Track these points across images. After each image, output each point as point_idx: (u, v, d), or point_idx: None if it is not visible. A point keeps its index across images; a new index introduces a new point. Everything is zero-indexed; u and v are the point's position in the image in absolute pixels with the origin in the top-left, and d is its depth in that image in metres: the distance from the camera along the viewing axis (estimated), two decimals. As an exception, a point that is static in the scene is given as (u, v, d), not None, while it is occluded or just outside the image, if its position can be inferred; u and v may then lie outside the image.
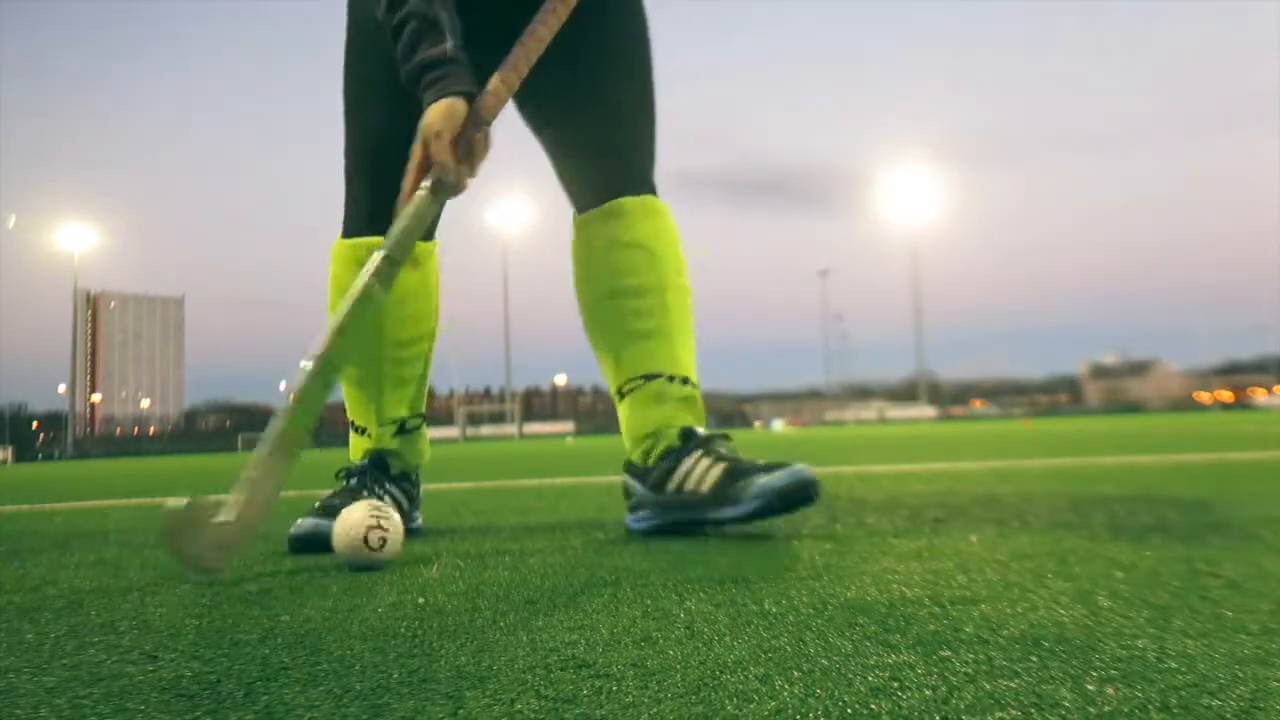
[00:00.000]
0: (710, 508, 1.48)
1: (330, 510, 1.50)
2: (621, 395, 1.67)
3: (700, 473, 1.51)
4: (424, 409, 1.81)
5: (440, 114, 1.39)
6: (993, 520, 1.60)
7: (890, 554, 1.24)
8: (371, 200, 1.67)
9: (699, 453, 1.53)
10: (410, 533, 1.65)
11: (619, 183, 1.69)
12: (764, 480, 1.43)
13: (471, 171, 1.43)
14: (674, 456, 1.55)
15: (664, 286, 1.66)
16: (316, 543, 1.47)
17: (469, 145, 1.41)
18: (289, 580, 1.22)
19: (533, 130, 1.80)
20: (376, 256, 1.35)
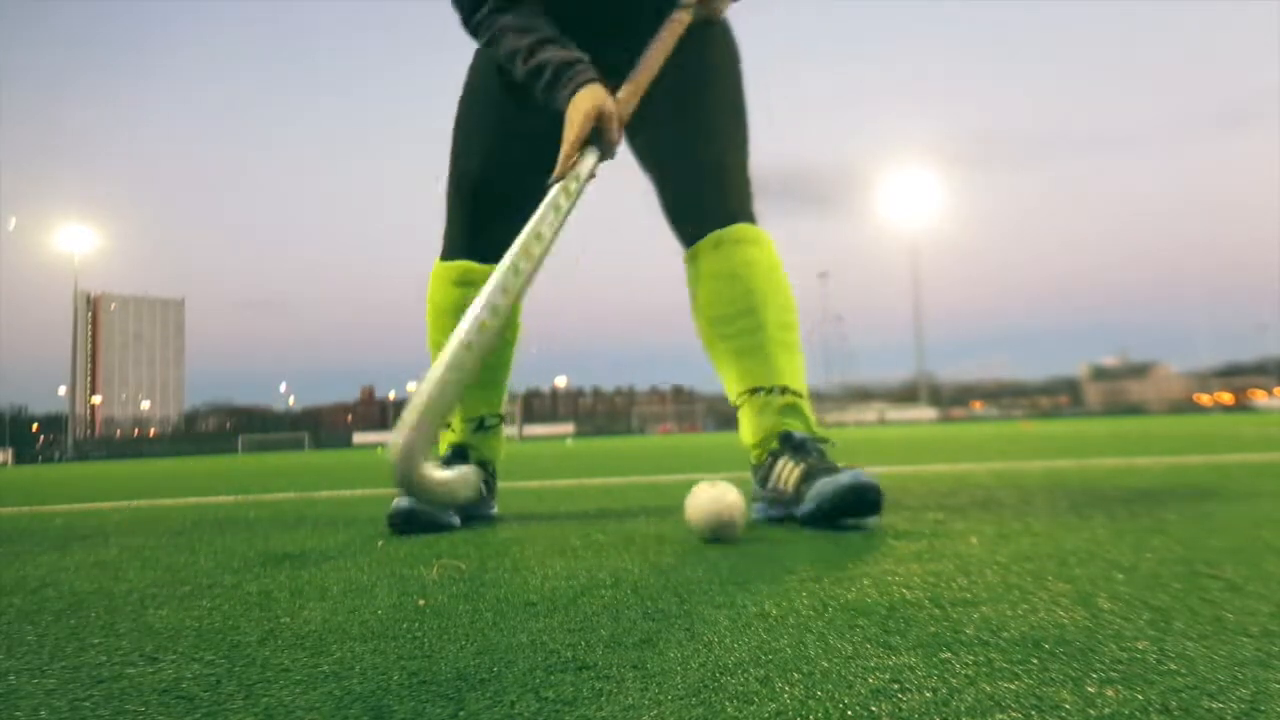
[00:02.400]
0: (793, 504, 1.66)
1: None
2: (737, 408, 1.87)
3: (787, 473, 1.70)
4: (501, 411, 2.04)
5: (594, 96, 1.68)
6: (993, 522, 1.60)
7: (890, 556, 1.24)
8: (464, 232, 1.94)
9: (787, 455, 1.72)
10: (485, 519, 1.96)
11: (716, 218, 1.88)
12: (823, 483, 1.57)
13: (613, 150, 1.72)
14: (772, 458, 1.76)
15: (760, 306, 1.83)
16: (412, 519, 1.75)
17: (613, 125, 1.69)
18: (289, 582, 1.22)
19: (640, 163, 2.01)
20: (577, 176, 1.63)
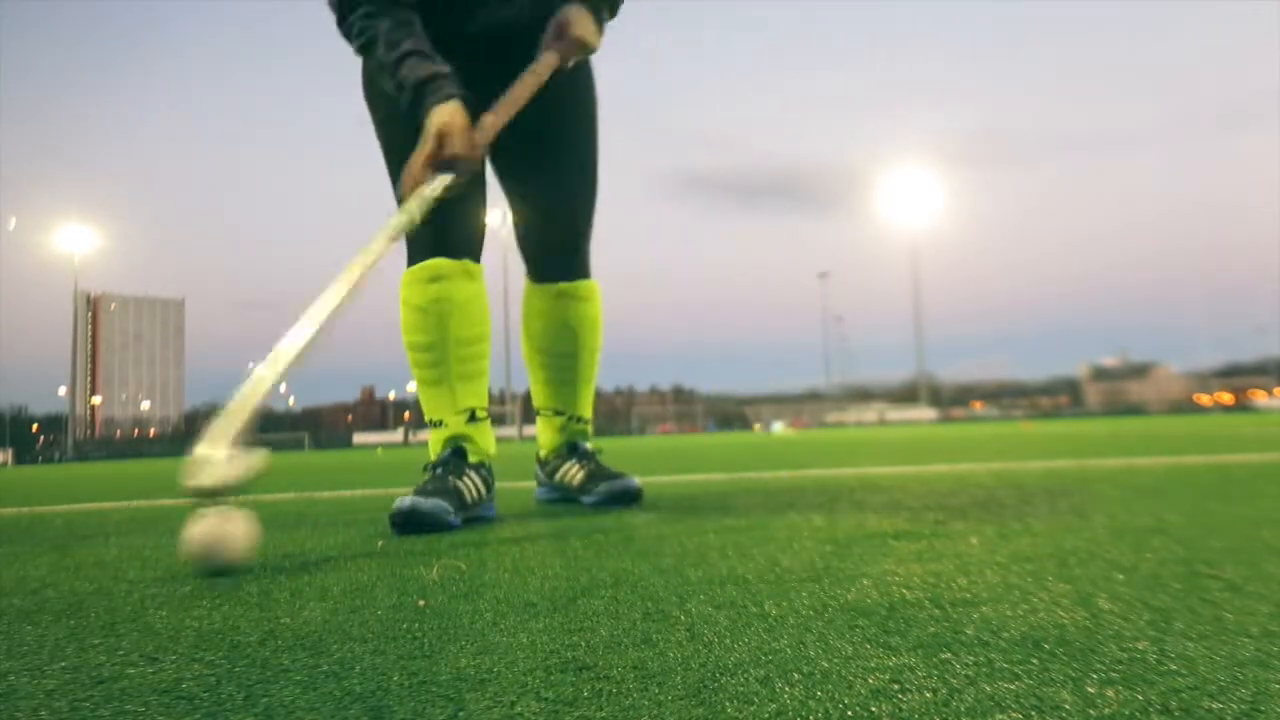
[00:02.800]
0: (575, 494, 2.25)
1: (424, 491, 1.85)
2: (539, 412, 2.36)
3: (573, 473, 2.27)
4: (487, 403, 2.13)
5: (449, 114, 1.78)
6: (993, 522, 1.60)
7: (890, 556, 1.24)
8: (425, 234, 1.97)
9: (574, 460, 2.28)
10: (487, 520, 1.98)
11: (564, 270, 2.25)
12: (607, 484, 2.18)
13: (476, 166, 1.84)
14: (560, 458, 2.31)
15: (580, 351, 2.29)
16: (414, 519, 1.78)
17: (473, 143, 1.79)
18: (289, 582, 1.22)
19: (503, 189, 2.23)
20: (393, 219, 1.73)
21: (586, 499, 2.20)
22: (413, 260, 2.04)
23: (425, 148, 1.77)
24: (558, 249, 2.24)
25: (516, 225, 2.25)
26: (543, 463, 2.37)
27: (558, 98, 2.06)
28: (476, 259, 2.06)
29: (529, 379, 2.37)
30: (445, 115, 1.77)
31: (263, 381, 1.43)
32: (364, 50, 1.89)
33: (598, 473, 2.23)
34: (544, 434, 2.35)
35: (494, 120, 1.84)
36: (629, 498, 2.18)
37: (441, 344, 2.00)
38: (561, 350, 2.28)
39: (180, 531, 1.32)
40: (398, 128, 1.98)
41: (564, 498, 2.30)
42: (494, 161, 2.17)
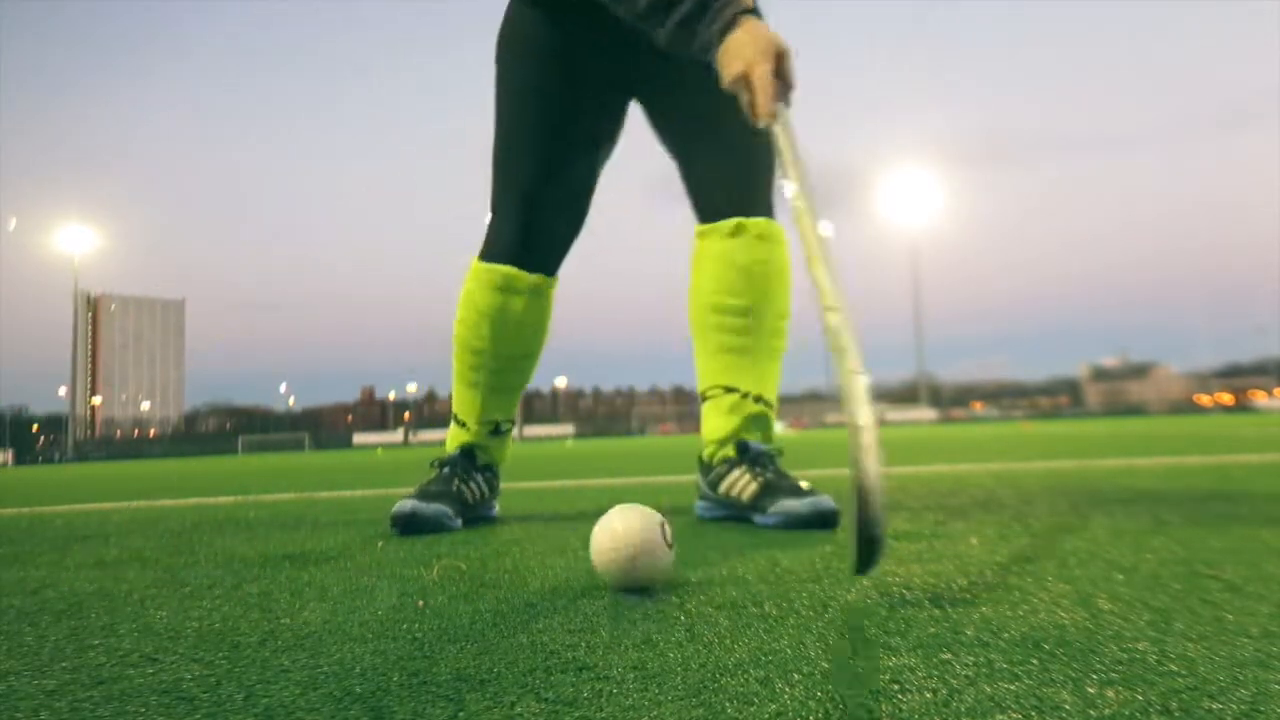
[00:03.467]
0: (746, 512, 1.73)
1: (427, 495, 1.83)
2: (705, 397, 1.86)
3: (743, 484, 1.75)
4: (514, 416, 2.05)
5: (759, 38, 1.40)
6: (993, 523, 1.60)
7: (891, 556, 1.24)
8: (515, 239, 1.88)
9: (745, 467, 1.76)
10: (485, 520, 1.97)
11: (741, 202, 1.84)
12: (788, 503, 1.64)
13: (787, 103, 1.42)
14: (728, 465, 1.79)
15: (762, 311, 1.82)
16: (415, 523, 1.75)
17: (785, 77, 1.41)
18: (289, 583, 1.22)
19: (663, 141, 1.94)
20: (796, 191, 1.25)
21: (760, 519, 1.68)
22: (488, 254, 1.92)
23: (768, 65, 1.38)
24: (734, 181, 1.85)
25: (690, 164, 1.90)
26: (705, 466, 1.85)
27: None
28: (552, 273, 1.94)
29: (695, 356, 1.89)
30: (768, 31, 1.41)
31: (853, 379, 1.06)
32: None
33: (776, 485, 1.69)
34: (709, 424, 1.83)
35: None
36: (819, 522, 1.60)
37: (488, 353, 1.93)
38: (736, 305, 1.81)
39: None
40: (524, 77, 1.84)
41: (733, 515, 1.77)
42: (651, 112, 1.91)
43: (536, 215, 1.87)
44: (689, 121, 1.88)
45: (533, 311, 1.93)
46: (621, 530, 1.03)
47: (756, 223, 1.82)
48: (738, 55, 1.41)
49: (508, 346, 1.93)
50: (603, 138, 1.91)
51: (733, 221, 1.82)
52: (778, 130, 1.36)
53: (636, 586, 1.04)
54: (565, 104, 1.84)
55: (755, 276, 1.81)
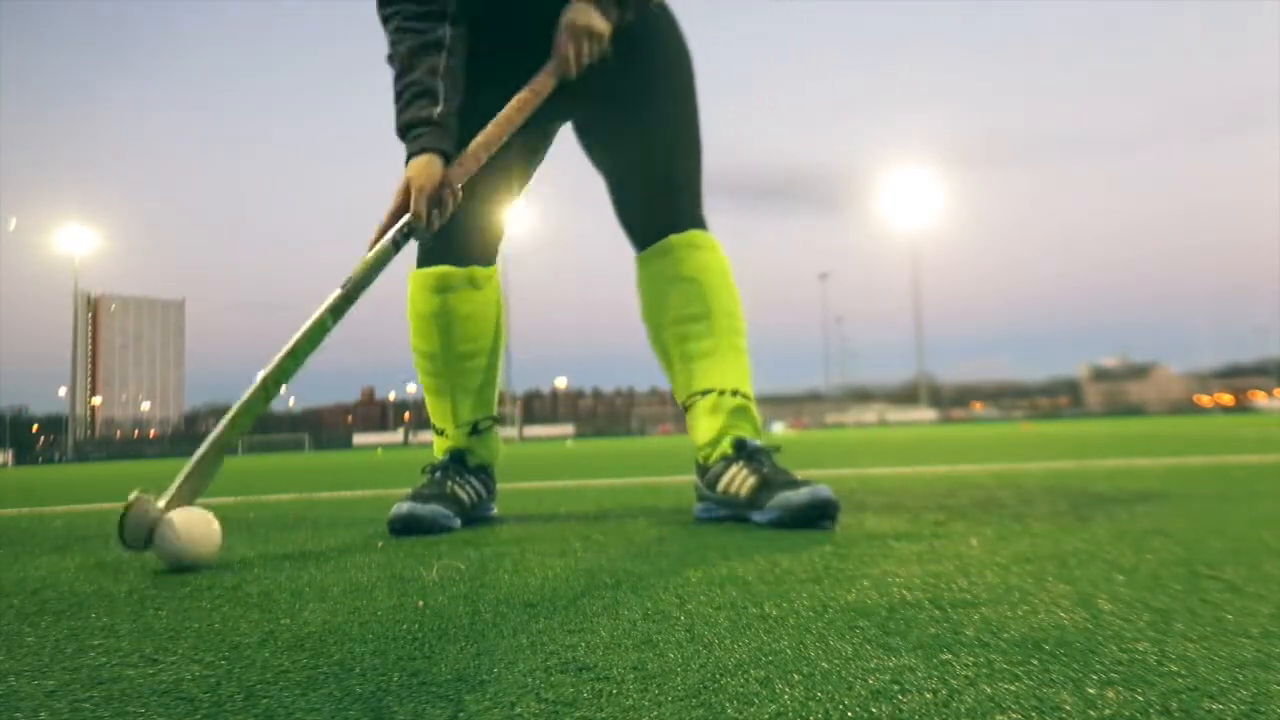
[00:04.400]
0: (745, 509, 1.73)
1: (422, 497, 1.84)
2: (686, 408, 1.92)
3: (741, 479, 1.75)
4: (494, 412, 2.04)
5: (419, 169, 1.65)
6: (993, 523, 1.60)
7: (891, 557, 1.24)
8: (438, 241, 1.86)
9: (742, 463, 1.77)
10: (485, 520, 1.98)
11: (667, 222, 1.93)
12: (786, 495, 1.64)
13: (442, 219, 1.68)
14: (725, 462, 1.80)
15: (713, 312, 1.89)
16: (412, 524, 1.77)
17: (440, 199, 1.66)
18: (289, 583, 1.22)
19: (591, 158, 2.03)
20: (335, 292, 1.57)
21: (758, 516, 1.69)
22: (421, 262, 1.98)
23: (394, 199, 1.66)
24: (656, 202, 1.95)
25: (614, 194, 2.01)
26: (702, 469, 1.87)
27: (629, 56, 1.86)
28: (487, 264, 1.98)
29: (666, 375, 1.99)
30: (416, 169, 1.65)
31: (214, 436, 1.50)
32: (392, 66, 1.78)
33: (773, 479, 1.70)
34: (697, 430, 1.87)
35: (474, 155, 1.71)
36: (818, 514, 1.59)
37: (442, 356, 1.96)
38: (688, 314, 1.89)
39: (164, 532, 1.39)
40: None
41: (733, 515, 1.77)
42: (577, 132, 2.01)
43: (457, 218, 1.84)
44: (613, 145, 1.97)
45: (475, 304, 1.95)
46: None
47: (685, 236, 1.92)
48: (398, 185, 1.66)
49: (458, 344, 1.95)
50: (526, 152, 1.95)
51: (664, 241, 1.92)
52: (378, 247, 1.64)
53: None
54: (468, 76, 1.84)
55: (699, 283, 1.90)
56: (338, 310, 1.57)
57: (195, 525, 1.40)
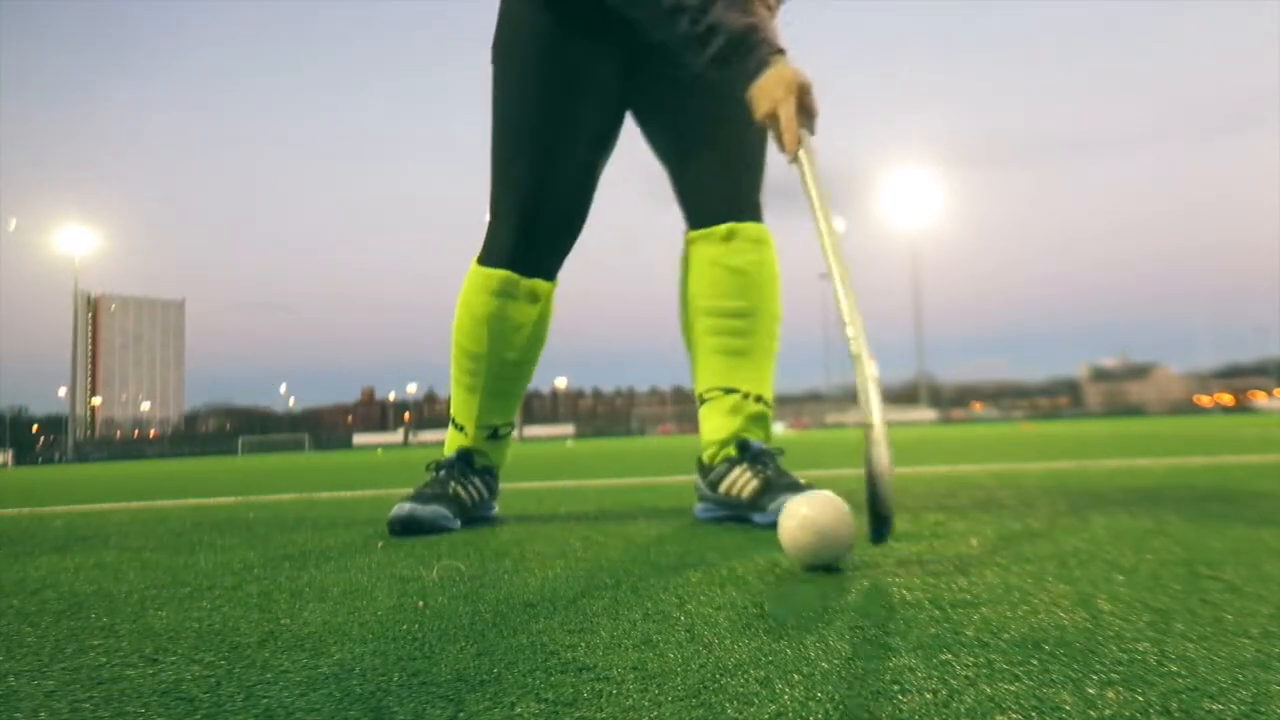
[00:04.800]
0: (747, 510, 1.72)
1: (423, 498, 1.83)
2: (703, 399, 1.87)
3: (744, 482, 1.75)
4: (514, 419, 2.04)
5: (784, 78, 1.50)
6: (993, 523, 1.60)
7: (890, 557, 1.24)
8: (513, 242, 1.87)
9: (745, 465, 1.76)
10: (485, 520, 1.98)
11: (733, 207, 1.86)
12: (788, 498, 1.54)
13: (812, 130, 1.54)
14: (729, 464, 1.79)
15: (758, 313, 1.84)
16: (412, 525, 1.76)
17: (808, 108, 1.53)
18: (289, 583, 1.22)
19: (654, 145, 1.96)
20: (818, 209, 1.41)
21: (760, 518, 1.67)
22: (486, 258, 1.91)
23: (792, 102, 1.49)
24: (726, 186, 1.86)
25: (680, 169, 1.92)
26: (705, 468, 1.85)
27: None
28: (550, 278, 1.93)
29: (690, 360, 1.93)
30: (778, 77, 1.50)
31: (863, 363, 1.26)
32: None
33: (776, 482, 1.69)
34: (709, 425, 1.83)
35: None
36: None
37: (485, 358, 1.91)
38: (733, 308, 1.83)
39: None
40: (528, 74, 1.82)
41: (734, 516, 1.77)
42: (640, 118, 1.93)
43: (535, 218, 1.85)
44: (681, 125, 1.90)
45: (530, 316, 1.92)
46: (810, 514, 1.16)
47: (749, 227, 1.85)
48: (767, 95, 1.51)
49: (505, 351, 1.92)
50: (601, 140, 1.89)
51: (725, 226, 1.84)
52: (803, 159, 1.48)
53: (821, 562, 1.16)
54: (564, 104, 1.82)
55: (751, 279, 1.84)
56: (824, 205, 1.42)
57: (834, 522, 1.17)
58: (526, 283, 1.89)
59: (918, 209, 75.33)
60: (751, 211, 1.87)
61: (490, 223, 1.92)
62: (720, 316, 1.84)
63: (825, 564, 1.16)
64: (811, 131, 1.53)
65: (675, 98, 1.87)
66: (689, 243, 1.90)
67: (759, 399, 1.82)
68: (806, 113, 1.52)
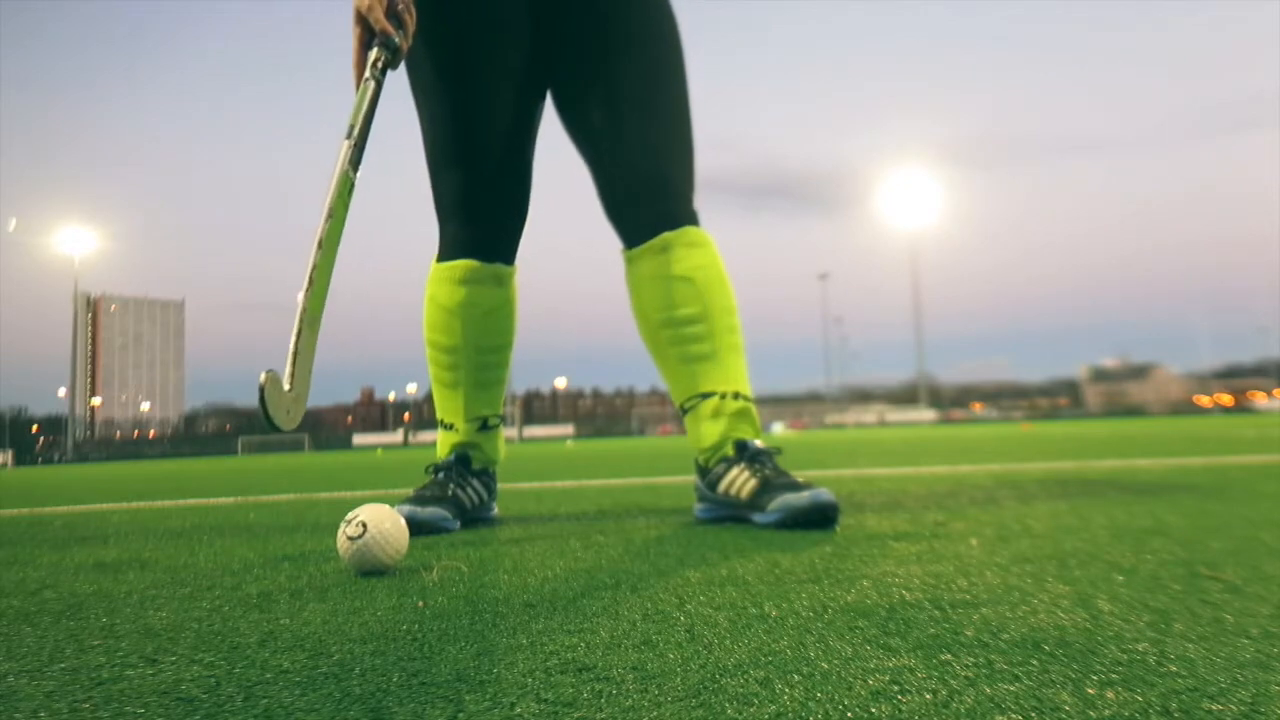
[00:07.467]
0: (746, 510, 1.73)
1: (423, 499, 1.84)
2: (684, 409, 1.88)
3: (742, 481, 1.75)
4: (502, 410, 2.05)
5: None
6: (993, 523, 1.60)
7: (890, 557, 1.24)
8: (465, 229, 1.92)
9: (743, 464, 1.76)
10: (485, 521, 1.99)
11: (663, 216, 1.84)
12: (788, 497, 1.63)
13: (407, 38, 1.66)
14: (727, 464, 1.79)
15: (711, 313, 1.84)
16: (411, 527, 1.71)
17: (398, 15, 1.65)
18: (289, 583, 1.22)
19: (574, 137, 1.94)
20: (344, 144, 1.53)
21: (759, 518, 1.68)
22: (444, 255, 1.96)
23: (354, 30, 1.64)
24: (648, 194, 1.84)
25: (599, 182, 1.90)
26: (703, 470, 1.86)
27: (622, 18, 1.85)
28: (509, 261, 1.98)
29: (662, 376, 1.94)
30: None
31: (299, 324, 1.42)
32: None
33: (774, 481, 1.69)
34: (700, 432, 1.84)
35: None
36: (818, 517, 1.60)
37: (462, 349, 1.95)
38: (686, 315, 1.83)
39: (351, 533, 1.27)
40: (441, 121, 1.88)
41: (733, 516, 1.77)
42: (555, 98, 1.95)
43: (479, 205, 1.89)
44: (589, 133, 1.88)
45: (499, 299, 1.96)
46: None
47: (682, 233, 1.84)
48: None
49: (480, 338, 1.95)
50: (525, 120, 1.92)
51: (659, 239, 1.83)
52: (363, 87, 1.59)
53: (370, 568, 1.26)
54: (476, 43, 1.84)
55: (696, 284, 1.83)
56: (355, 161, 1.53)
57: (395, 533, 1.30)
58: (489, 267, 1.94)
59: (917, 209, 75.33)
60: (682, 213, 1.85)
61: (440, 223, 1.97)
62: (677, 326, 1.84)
63: (374, 567, 1.26)
64: (393, 50, 1.65)
65: (580, 93, 1.88)
66: (628, 261, 1.90)
67: (737, 395, 1.82)
68: (397, 20, 1.65)
